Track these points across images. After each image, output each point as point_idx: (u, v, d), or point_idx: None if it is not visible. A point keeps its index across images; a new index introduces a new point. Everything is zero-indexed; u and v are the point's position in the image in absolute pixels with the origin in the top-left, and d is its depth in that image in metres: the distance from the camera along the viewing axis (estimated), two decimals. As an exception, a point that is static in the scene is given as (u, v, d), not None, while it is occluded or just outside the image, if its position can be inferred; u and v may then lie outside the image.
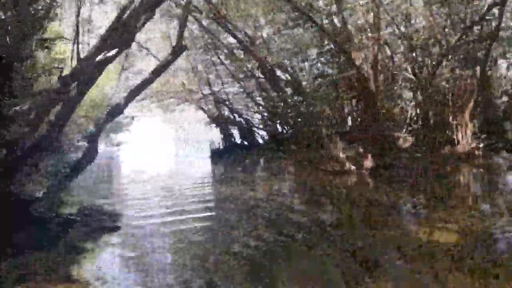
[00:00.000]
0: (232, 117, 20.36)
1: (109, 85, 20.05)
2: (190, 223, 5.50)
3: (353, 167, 10.48)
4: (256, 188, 9.13)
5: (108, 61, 5.38)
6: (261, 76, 16.78)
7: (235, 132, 20.72)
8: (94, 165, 21.71)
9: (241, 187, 9.39)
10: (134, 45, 18.39)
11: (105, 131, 30.74)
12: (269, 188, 9.06)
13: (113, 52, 5.17)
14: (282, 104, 15.27)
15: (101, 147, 31.73)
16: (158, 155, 22.11)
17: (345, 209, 6.48)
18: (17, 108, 4.40)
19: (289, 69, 15.74)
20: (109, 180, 14.97)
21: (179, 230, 5.15)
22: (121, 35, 5.15)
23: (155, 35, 18.91)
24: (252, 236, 4.79)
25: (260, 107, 19.34)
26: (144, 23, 5.82)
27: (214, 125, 21.95)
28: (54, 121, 5.08)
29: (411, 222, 5.40)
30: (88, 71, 5.02)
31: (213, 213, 6.34)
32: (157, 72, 7.52)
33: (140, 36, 18.70)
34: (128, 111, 27.80)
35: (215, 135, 21.16)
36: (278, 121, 17.69)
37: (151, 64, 19.99)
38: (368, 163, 10.50)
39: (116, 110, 7.20)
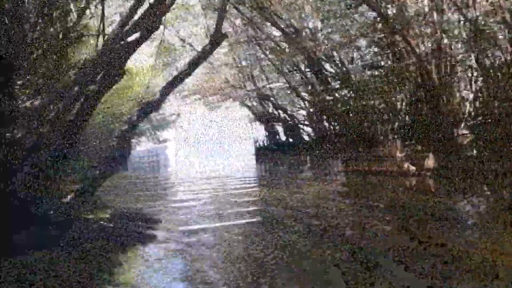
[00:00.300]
0: (276, 113, 19.59)
1: (154, 82, 20.02)
2: (234, 232, 4.80)
3: (412, 168, 9.34)
4: (303, 191, 8.30)
5: (134, 46, 4.79)
6: (307, 69, 15.86)
7: (280, 129, 19.95)
8: (137, 163, 21.80)
9: (286, 189, 8.61)
10: (177, 41, 18.10)
11: (151, 128, 31.19)
12: (318, 191, 8.20)
13: (139, 36, 4.59)
14: (329, 98, 14.27)
15: (148, 145, 32.26)
16: (203, 153, 21.96)
17: (403, 219, 5.49)
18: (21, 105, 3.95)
19: (337, 61, 14.69)
20: (153, 180, 14.78)
21: (222, 239, 4.49)
22: (147, 18, 4.56)
23: (198, 30, 18.56)
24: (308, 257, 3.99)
25: (306, 103, 18.38)
26: (172, 3, 5.23)
27: (258, 122, 21.36)
28: (73, 118, 4.57)
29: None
30: (112, 57, 4.47)
31: (259, 219, 5.60)
32: (194, 64, 6.91)
33: (183, 32, 18.38)
34: (173, 108, 27.95)
35: (259, 133, 20.59)
36: (325, 117, 16.66)
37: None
38: (430, 163, 9.31)
39: (151, 106, 6.66)
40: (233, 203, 7.20)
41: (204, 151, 23.01)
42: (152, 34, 5.01)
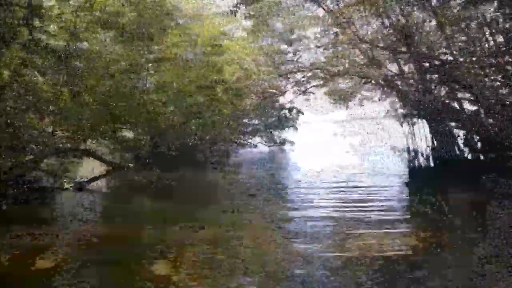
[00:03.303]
0: (456, 106, 11.30)
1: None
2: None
3: None
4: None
5: None
6: None
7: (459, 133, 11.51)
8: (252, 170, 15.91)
9: None
10: None
11: (266, 126, 25.24)
12: None
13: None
14: None
15: (264, 148, 26.57)
16: (328, 168, 14.23)
17: None
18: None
19: None
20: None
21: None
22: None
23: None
24: None
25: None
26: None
27: (414, 120, 13.06)
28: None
29: None
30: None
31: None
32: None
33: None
34: (287, 99, 21.41)
35: (417, 140, 12.24)
36: None
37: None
38: None
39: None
40: None
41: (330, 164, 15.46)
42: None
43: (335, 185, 11.00)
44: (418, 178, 11.00)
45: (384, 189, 10.08)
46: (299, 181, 12.22)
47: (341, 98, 19.61)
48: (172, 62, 13.91)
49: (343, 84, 19.73)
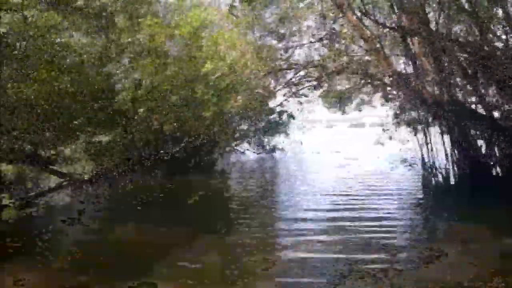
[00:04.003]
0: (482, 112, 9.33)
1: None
2: None
3: None
4: None
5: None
6: None
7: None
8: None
9: None
10: None
11: (254, 131, 23.05)
12: None
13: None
14: None
15: (252, 155, 24.37)
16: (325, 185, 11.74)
17: None
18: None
19: None
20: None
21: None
22: None
23: None
24: None
25: None
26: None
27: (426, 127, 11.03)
28: None
29: None
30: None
31: None
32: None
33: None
34: (278, 102, 19.28)
35: (434, 151, 10.17)
36: None
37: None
38: None
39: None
40: None
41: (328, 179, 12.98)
42: None
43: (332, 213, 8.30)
44: (437, 198, 9.00)
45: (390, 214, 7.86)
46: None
47: (338, 101, 17.65)
48: (148, 55, 11.83)
49: (341, 86, 17.75)
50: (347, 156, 17.77)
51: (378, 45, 10.20)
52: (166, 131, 12.58)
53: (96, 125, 11.39)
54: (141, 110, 12.17)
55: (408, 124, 10.94)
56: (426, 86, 9.62)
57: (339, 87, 17.38)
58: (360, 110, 18.67)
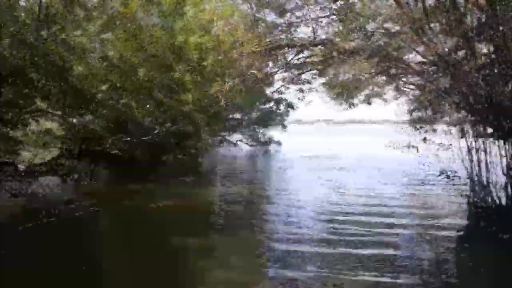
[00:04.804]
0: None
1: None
2: None
3: None
4: None
5: None
6: None
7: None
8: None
9: None
10: None
11: (249, 122, 20.50)
12: None
13: None
14: None
15: (245, 147, 22.07)
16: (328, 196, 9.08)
17: None
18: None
19: None
20: None
21: None
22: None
23: None
24: None
25: None
26: None
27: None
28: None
29: None
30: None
31: None
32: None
33: None
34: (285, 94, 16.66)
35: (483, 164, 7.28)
36: None
37: None
38: None
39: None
40: None
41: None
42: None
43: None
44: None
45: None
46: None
47: (345, 91, 15.24)
48: (119, 26, 9.64)
49: (349, 73, 15.14)
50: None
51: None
52: (134, 116, 10.29)
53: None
54: (103, 87, 9.92)
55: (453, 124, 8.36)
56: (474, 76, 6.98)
57: (347, 75, 14.75)
58: (369, 103, 16.18)
